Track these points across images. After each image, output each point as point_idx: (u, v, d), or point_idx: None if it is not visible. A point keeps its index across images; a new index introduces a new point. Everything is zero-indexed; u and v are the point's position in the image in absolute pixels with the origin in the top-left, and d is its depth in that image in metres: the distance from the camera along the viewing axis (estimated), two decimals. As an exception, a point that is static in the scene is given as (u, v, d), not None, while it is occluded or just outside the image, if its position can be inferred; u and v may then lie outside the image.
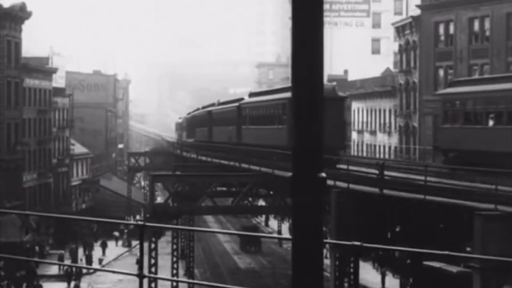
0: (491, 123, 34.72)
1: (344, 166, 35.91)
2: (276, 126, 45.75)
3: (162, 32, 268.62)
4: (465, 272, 31.80)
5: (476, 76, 52.25)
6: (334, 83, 42.61)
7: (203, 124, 74.30)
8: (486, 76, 49.34)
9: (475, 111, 36.06)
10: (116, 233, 76.01)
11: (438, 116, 46.38)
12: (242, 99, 59.74)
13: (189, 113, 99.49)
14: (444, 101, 39.55)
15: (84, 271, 58.32)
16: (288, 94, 42.46)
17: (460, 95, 37.58)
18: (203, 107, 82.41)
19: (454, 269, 34.22)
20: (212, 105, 75.25)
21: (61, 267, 59.01)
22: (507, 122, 33.37)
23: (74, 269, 56.60)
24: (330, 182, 32.35)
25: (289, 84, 56.76)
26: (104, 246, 69.95)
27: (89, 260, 64.18)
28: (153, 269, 42.07)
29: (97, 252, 69.19)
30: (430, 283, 36.01)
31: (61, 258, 61.12)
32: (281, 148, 41.95)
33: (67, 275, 56.45)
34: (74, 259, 63.48)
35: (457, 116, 37.43)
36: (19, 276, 53.12)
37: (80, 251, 66.38)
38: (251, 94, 58.99)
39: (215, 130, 67.27)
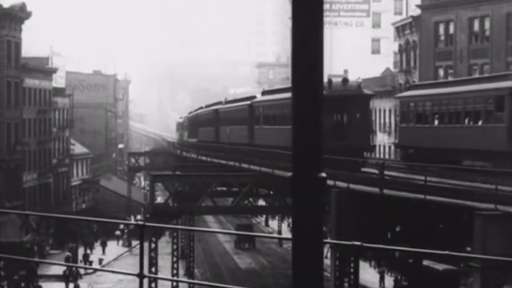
0: (436, 122, 39.47)
1: (370, 170, 34.42)
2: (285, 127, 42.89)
3: (162, 32, 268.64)
4: (451, 270, 31.91)
5: (432, 81, 53.82)
6: (360, 79, 40.68)
7: (209, 123, 70.86)
8: (440, 80, 54.08)
9: (425, 112, 40.96)
10: (118, 232, 76.06)
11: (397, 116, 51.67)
12: (254, 97, 56.13)
13: (190, 112, 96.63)
14: (401, 103, 45.01)
15: (83, 271, 58.13)
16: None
17: (413, 97, 42.89)
18: (207, 106, 78.92)
19: (440, 267, 34.35)
20: (219, 103, 71.27)
21: (68, 267, 58.82)
22: (449, 121, 38.33)
23: (73, 269, 56.53)
24: (330, 182, 32.35)
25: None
26: (104, 245, 70.21)
27: (86, 259, 64.14)
28: (153, 269, 42.07)
29: (97, 251, 69.26)
30: (420, 280, 36.22)
31: (68, 259, 61.03)
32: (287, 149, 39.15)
33: (65, 277, 55.70)
34: (74, 259, 63.45)
35: (412, 117, 42.50)
36: (17, 277, 52.90)
37: (80, 251, 66.34)
38: (265, 92, 55.26)
39: (222, 130, 63.81)
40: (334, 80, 40.23)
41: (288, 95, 44.44)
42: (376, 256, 54.41)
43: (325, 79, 46.93)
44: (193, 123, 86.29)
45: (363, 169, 36.36)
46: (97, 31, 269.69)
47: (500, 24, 54.64)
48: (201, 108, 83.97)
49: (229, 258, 67.00)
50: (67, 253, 63.05)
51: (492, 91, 34.69)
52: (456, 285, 35.26)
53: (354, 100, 39.40)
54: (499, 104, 33.76)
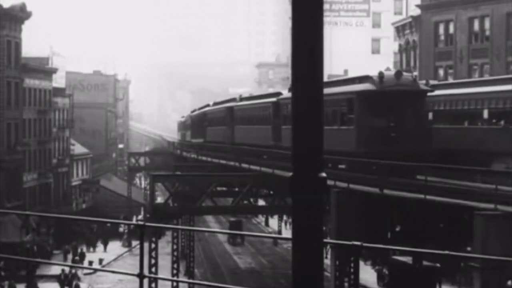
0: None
1: (432, 178, 29.10)
2: (338, 127, 36.17)
3: (162, 32, 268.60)
4: (429, 266, 31.90)
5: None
6: (415, 73, 36.75)
7: (220, 122, 64.83)
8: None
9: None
10: (121, 229, 76.09)
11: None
12: (279, 93, 50.78)
13: (193, 111, 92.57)
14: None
15: (80, 274, 57.74)
16: (358, 87, 35.27)
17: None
18: (216, 104, 73.55)
19: (413, 262, 34.38)
20: (232, 100, 65.51)
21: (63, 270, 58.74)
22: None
23: (70, 271, 56.32)
24: (330, 182, 32.35)
25: (345, 76, 46.62)
26: (105, 244, 70.90)
27: (82, 257, 64.11)
28: (153, 269, 42.08)
29: (98, 250, 69.32)
30: (400, 276, 36.20)
31: (75, 262, 61.04)
32: (348, 155, 34.17)
33: (60, 281, 54.52)
34: (74, 260, 63.46)
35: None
36: (12, 281, 52.66)
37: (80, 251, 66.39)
38: (290, 89, 50.65)
39: (239, 130, 58.25)
40: (386, 73, 35.20)
41: (331, 90, 36.26)
42: (372, 255, 54.51)
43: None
44: (199, 122, 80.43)
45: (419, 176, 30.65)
46: (97, 31, 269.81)
47: (500, 24, 54.65)
48: (208, 105, 78.64)
49: (229, 258, 67.00)
50: (76, 257, 63.07)
51: None
52: (434, 281, 35.18)
53: (409, 97, 33.91)
54: None
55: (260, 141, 49.93)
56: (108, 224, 72.70)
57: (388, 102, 33.54)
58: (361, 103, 34.35)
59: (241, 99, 62.36)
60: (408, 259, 34.91)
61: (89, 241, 71.65)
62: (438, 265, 36.16)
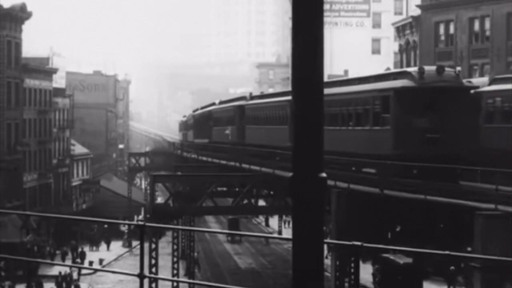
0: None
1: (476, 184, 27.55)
2: (370, 128, 33.53)
3: (162, 32, 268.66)
4: (412, 263, 31.85)
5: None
6: (458, 68, 33.00)
7: (229, 122, 61.68)
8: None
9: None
10: (123, 228, 76.22)
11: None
12: None
13: (195, 110, 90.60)
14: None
15: (76, 275, 57.56)
16: (395, 83, 32.22)
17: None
18: (222, 102, 70.42)
19: (401, 260, 34.44)
20: (241, 98, 62.20)
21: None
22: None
23: (68, 273, 56.21)
24: (330, 182, 32.34)
25: (380, 72, 42.20)
26: (108, 243, 71.68)
27: (82, 257, 64.14)
28: (153, 270, 42.08)
29: (95, 253, 69.33)
30: (388, 273, 36.08)
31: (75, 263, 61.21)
32: (382, 157, 31.57)
33: (57, 283, 54.15)
34: (74, 261, 63.44)
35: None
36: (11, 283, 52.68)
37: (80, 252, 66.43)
38: None
39: (251, 130, 55.26)
40: (426, 68, 32.25)
41: (360, 87, 34.65)
42: (372, 255, 54.51)
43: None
44: (203, 122, 76.95)
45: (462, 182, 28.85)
46: (97, 32, 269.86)
47: (501, 24, 54.65)
48: (213, 104, 75.12)
49: (229, 258, 66.99)
50: (78, 260, 63.13)
51: None
52: (419, 278, 35.05)
53: (452, 94, 30.98)
54: None
55: (275, 142, 46.42)
56: (105, 226, 73.14)
57: (429, 100, 30.82)
58: (399, 101, 31.30)
59: (252, 97, 59.72)
60: (398, 257, 34.98)
61: (93, 240, 72.09)
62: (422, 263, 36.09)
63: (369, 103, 33.56)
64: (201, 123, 78.47)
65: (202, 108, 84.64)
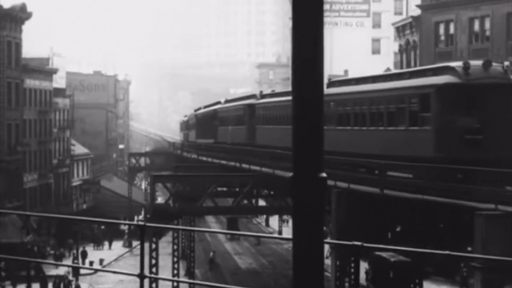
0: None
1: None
2: (406, 128, 30.93)
3: (162, 33, 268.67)
4: (401, 261, 31.89)
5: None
6: (506, 63, 30.36)
7: (237, 121, 59.06)
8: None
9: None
10: (124, 228, 76.39)
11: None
12: None
13: (197, 110, 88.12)
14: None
15: (71, 276, 57.45)
16: (436, 80, 29.78)
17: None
18: (228, 101, 67.94)
19: (391, 258, 34.49)
20: (251, 96, 59.44)
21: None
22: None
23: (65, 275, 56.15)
24: (330, 182, 32.35)
25: (412, 68, 39.93)
26: (110, 242, 72.36)
27: (84, 256, 64.16)
28: (153, 270, 42.08)
29: (97, 252, 69.37)
30: (379, 271, 36.02)
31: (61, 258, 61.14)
32: (420, 160, 29.10)
33: (55, 285, 53.99)
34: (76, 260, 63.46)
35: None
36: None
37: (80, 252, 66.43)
38: (332, 84, 39.69)
39: (262, 130, 52.49)
40: (472, 63, 29.95)
41: (390, 85, 31.68)
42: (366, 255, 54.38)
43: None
44: (207, 121, 73.82)
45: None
46: (97, 32, 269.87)
47: (501, 24, 54.63)
48: (218, 103, 72.23)
49: (230, 258, 66.99)
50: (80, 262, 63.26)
51: None
52: (407, 276, 35.02)
53: (500, 91, 28.43)
54: None
55: (291, 144, 41.82)
56: (102, 227, 73.49)
57: (474, 98, 28.43)
58: (441, 98, 28.83)
59: (263, 95, 56.56)
60: (389, 255, 35.02)
61: (96, 239, 72.53)
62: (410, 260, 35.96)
63: (404, 101, 31.02)
64: (205, 122, 75.80)
65: (205, 107, 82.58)
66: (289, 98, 35.10)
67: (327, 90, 37.40)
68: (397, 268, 31.16)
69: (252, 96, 59.05)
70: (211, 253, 62.65)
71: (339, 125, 36.57)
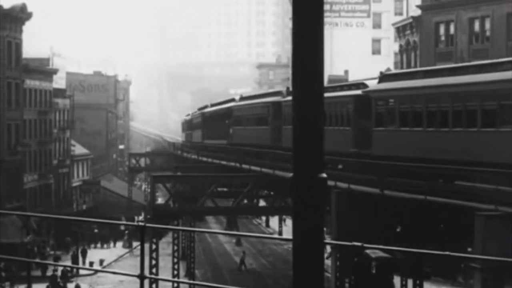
0: None
1: None
2: (478, 129, 26.88)
3: (162, 33, 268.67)
4: (383, 257, 31.85)
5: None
6: None
7: (258, 121, 53.43)
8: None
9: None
10: (124, 228, 76.53)
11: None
12: (363, 84, 36.13)
13: (202, 108, 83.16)
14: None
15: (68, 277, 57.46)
16: (481, 78, 26.60)
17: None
18: (244, 98, 62.65)
19: (373, 254, 34.50)
20: (277, 93, 54.03)
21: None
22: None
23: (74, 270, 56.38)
24: (330, 183, 32.35)
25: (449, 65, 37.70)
26: (114, 241, 73.24)
27: (84, 255, 64.20)
28: (153, 270, 42.08)
29: (98, 252, 69.39)
30: (362, 267, 35.93)
31: (56, 260, 61.25)
32: (502, 166, 25.04)
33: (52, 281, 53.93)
34: (75, 261, 63.34)
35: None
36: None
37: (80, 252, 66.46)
38: (386, 77, 35.05)
39: (289, 131, 40.16)
40: None
41: (428, 82, 28.14)
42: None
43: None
44: (217, 121, 68.05)
45: None
46: (97, 32, 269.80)
47: (501, 25, 54.64)
48: (232, 100, 66.38)
49: (230, 259, 66.99)
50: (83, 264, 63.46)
51: None
52: (390, 273, 34.94)
53: None
54: None
55: (333, 147, 33.86)
56: (96, 229, 73.77)
57: None
58: None
59: (289, 93, 48.27)
60: (372, 252, 35.03)
61: (102, 238, 73.12)
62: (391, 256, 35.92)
63: (504, 97, 25.53)
64: (214, 122, 69.81)
65: (212, 105, 77.30)
66: (333, 94, 33.47)
67: (379, 85, 34.02)
68: (379, 264, 31.23)
69: (278, 93, 53.40)
70: (242, 254, 62.57)
71: (386, 125, 32.39)
